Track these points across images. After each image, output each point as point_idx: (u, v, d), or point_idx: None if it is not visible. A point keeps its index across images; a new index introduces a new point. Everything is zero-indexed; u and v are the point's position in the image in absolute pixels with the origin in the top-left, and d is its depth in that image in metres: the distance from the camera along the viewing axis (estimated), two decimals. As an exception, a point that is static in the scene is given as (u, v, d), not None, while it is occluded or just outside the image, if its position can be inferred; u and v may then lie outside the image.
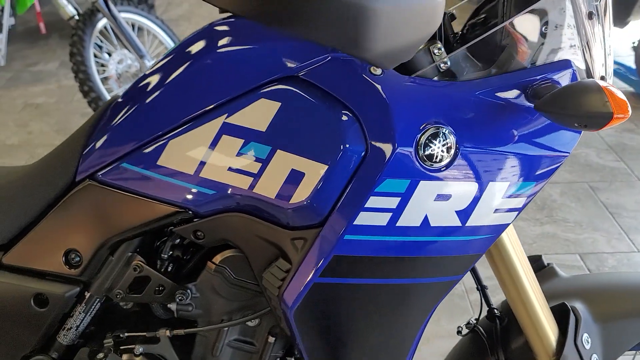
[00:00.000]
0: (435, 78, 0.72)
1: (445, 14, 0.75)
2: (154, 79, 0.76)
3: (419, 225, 0.68)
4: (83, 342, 0.86)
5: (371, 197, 0.66)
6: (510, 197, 0.71)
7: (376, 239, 0.68)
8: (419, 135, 0.66)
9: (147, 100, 0.74)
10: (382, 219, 0.67)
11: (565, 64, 0.72)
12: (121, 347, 0.83)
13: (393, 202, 0.67)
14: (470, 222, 0.70)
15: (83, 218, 0.79)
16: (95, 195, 0.77)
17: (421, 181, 0.67)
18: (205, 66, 0.72)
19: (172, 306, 0.82)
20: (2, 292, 0.82)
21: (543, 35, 0.71)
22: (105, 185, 0.76)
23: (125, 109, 0.76)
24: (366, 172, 0.66)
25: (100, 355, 0.82)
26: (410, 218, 0.68)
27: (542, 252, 2.12)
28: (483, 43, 0.74)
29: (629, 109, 0.61)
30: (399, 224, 0.68)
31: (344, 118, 0.67)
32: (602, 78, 0.77)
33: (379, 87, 0.66)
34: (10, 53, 3.84)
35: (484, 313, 0.97)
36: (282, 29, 0.49)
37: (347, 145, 0.66)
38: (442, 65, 0.71)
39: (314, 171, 0.68)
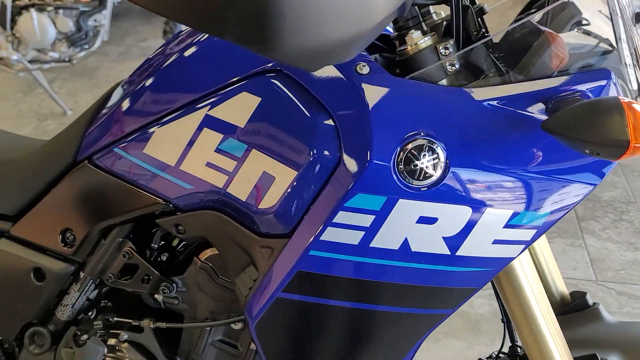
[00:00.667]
0: (444, 82, 0.63)
1: (469, 6, 0.65)
2: (149, 67, 0.74)
3: (397, 248, 0.60)
4: (79, 321, 0.87)
5: (340, 212, 0.59)
6: (513, 227, 0.61)
7: (346, 258, 0.61)
8: (399, 148, 0.57)
9: (140, 88, 0.72)
10: (354, 238, 0.60)
11: (603, 74, 0.59)
12: (110, 331, 0.83)
13: (366, 220, 0.59)
14: (462, 252, 0.61)
15: (78, 199, 0.79)
16: (90, 178, 0.77)
17: (400, 199, 0.58)
18: (193, 56, 0.69)
19: (159, 297, 0.81)
20: (7, 261, 0.85)
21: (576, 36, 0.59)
22: (99, 169, 0.76)
23: (123, 95, 0.75)
24: (337, 183, 0.59)
25: (85, 336, 0.82)
26: (386, 239, 0.60)
27: (631, 281, 1.89)
28: (507, 43, 0.64)
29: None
30: (373, 244, 0.60)
31: (320, 121, 0.60)
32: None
33: (361, 88, 0.59)
34: (125, 29, 4.10)
35: (506, 348, 0.87)
36: (194, 26, 0.43)
37: (319, 152, 0.60)
38: (449, 66, 0.62)
39: (284, 176, 0.62)
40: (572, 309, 0.90)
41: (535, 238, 0.62)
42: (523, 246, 0.62)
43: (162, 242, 0.81)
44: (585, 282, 1.89)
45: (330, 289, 0.63)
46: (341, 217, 0.59)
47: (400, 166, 0.58)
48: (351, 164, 0.58)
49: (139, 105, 0.72)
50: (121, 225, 0.79)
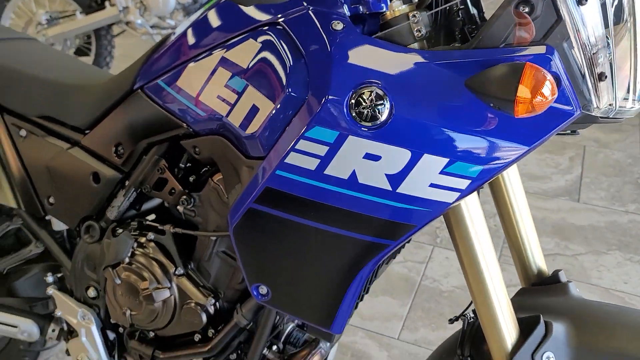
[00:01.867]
0: (415, 45, 0.73)
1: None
2: (190, 20, 0.91)
3: (346, 178, 0.72)
4: (121, 221, 1.07)
5: (301, 140, 0.72)
6: (448, 175, 0.70)
7: (304, 181, 0.74)
8: (353, 92, 0.69)
9: (180, 36, 0.90)
10: (311, 164, 0.73)
11: (543, 49, 0.67)
12: (141, 231, 1.03)
13: (322, 150, 0.72)
14: (402, 190, 0.72)
15: (129, 120, 0.99)
16: (139, 104, 0.96)
17: (350, 136, 0.70)
18: (219, 11, 0.85)
19: (180, 208, 0.99)
20: (76, 165, 1.07)
21: (524, 13, 0.67)
22: (146, 97, 0.95)
23: (171, 39, 0.93)
24: (301, 116, 0.72)
25: (120, 230, 1.03)
26: (337, 169, 0.72)
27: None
28: (467, 15, 0.73)
29: (543, 97, 0.57)
30: (326, 172, 0.73)
31: (297, 65, 0.74)
32: (601, 76, 0.69)
33: (330, 40, 0.71)
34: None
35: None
36: None
37: (292, 90, 0.73)
38: (415, 32, 0.72)
39: (266, 108, 0.76)
40: (543, 282, 0.96)
41: (471, 188, 0.71)
42: (459, 194, 0.71)
43: (189, 164, 0.99)
44: (633, 296, 1.85)
45: (291, 206, 0.76)
46: (302, 145, 0.72)
47: (352, 107, 0.70)
48: (313, 101, 0.71)
49: (177, 47, 0.90)
50: (158, 145, 0.98)
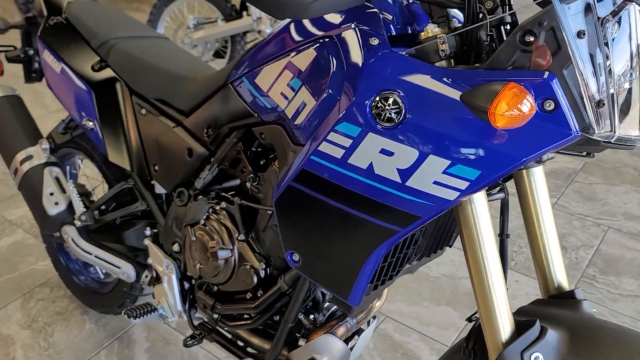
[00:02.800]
0: (442, 64, 0.86)
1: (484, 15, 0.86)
2: (273, 31, 1.10)
3: (365, 168, 0.86)
4: (204, 190, 1.30)
5: (331, 133, 0.88)
6: (450, 175, 0.81)
7: (331, 167, 0.89)
8: (376, 96, 0.84)
9: (262, 43, 1.09)
10: (338, 153, 0.88)
11: (544, 74, 0.76)
12: (216, 200, 1.24)
13: (347, 142, 0.87)
14: (410, 183, 0.84)
15: (220, 107, 1.20)
16: (228, 95, 1.18)
17: (370, 132, 0.85)
18: (292, 26, 1.03)
19: (248, 184, 1.18)
20: (178, 142, 1.31)
21: (529, 41, 0.77)
22: (234, 90, 1.16)
23: (257, 46, 1.13)
24: (334, 112, 0.88)
25: (200, 197, 1.24)
26: (358, 160, 0.87)
27: None
28: (499, 39, 0.84)
29: (520, 112, 0.67)
30: (349, 161, 0.87)
31: (338, 71, 0.89)
32: (599, 103, 0.77)
33: (365, 52, 0.86)
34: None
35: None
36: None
37: (331, 91, 0.89)
38: (440, 52, 0.85)
39: (311, 104, 0.93)
40: (560, 296, 1.02)
41: (470, 189, 0.81)
42: (459, 193, 0.82)
43: (259, 149, 1.18)
44: None
45: (320, 187, 0.92)
46: (332, 136, 0.88)
47: (373, 109, 0.84)
48: (344, 101, 0.87)
49: (260, 52, 1.09)
50: (237, 130, 1.18)
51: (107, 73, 1.43)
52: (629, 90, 0.83)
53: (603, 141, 0.81)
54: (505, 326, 0.90)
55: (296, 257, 1.01)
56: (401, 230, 0.88)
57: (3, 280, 2.13)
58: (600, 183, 2.56)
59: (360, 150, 0.86)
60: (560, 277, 1.03)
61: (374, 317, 1.29)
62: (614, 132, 0.80)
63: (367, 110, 0.85)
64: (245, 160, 1.18)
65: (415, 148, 0.82)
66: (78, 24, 1.52)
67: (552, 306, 0.99)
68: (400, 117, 0.83)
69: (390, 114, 0.83)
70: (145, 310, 1.37)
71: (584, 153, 0.93)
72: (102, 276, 1.93)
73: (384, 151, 0.85)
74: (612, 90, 0.77)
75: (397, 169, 0.84)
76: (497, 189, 1.06)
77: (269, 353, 1.23)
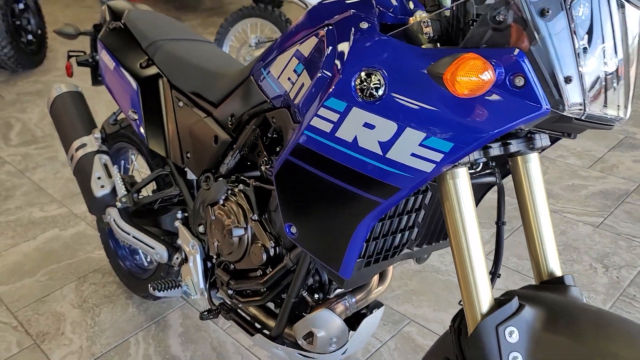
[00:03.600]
0: (429, 45, 0.92)
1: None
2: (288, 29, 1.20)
3: (350, 141, 0.93)
4: (228, 175, 1.40)
5: (321, 108, 0.95)
6: (426, 147, 0.86)
7: (322, 140, 0.97)
8: (359, 73, 0.91)
9: (282, 36, 1.20)
10: (327, 127, 0.95)
11: (513, 51, 0.80)
12: (234, 182, 1.34)
13: (335, 117, 0.94)
14: (390, 155, 0.90)
15: (242, 96, 1.31)
16: (249, 85, 1.28)
17: (354, 107, 0.91)
18: (304, 18, 1.12)
19: (263, 168, 1.27)
20: (206, 130, 1.43)
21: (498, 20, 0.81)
22: (253, 80, 1.26)
23: (276, 40, 1.24)
24: (324, 90, 0.96)
25: (220, 179, 1.35)
26: (345, 133, 0.93)
27: None
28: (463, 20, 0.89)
29: (478, 79, 0.73)
30: (337, 134, 0.94)
31: (331, 53, 0.97)
32: (567, 80, 0.80)
33: (354, 35, 0.94)
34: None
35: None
36: None
37: (324, 71, 0.97)
38: (425, 34, 0.91)
39: (307, 84, 1.01)
40: (550, 282, 1.02)
41: (445, 161, 0.86)
42: (434, 165, 0.87)
43: (274, 135, 1.28)
44: None
45: (313, 161, 0.99)
46: (322, 111, 0.95)
47: (358, 85, 0.91)
48: (332, 78, 0.94)
49: (277, 44, 1.20)
50: (256, 117, 1.28)
51: (152, 70, 1.59)
52: (617, 71, 0.86)
53: (575, 118, 0.84)
54: (483, 301, 0.93)
55: (294, 229, 1.08)
56: (383, 201, 0.93)
57: (63, 265, 2.33)
58: (653, 205, 2.46)
59: (346, 124, 0.93)
60: (553, 263, 1.04)
61: (379, 307, 1.33)
62: (584, 110, 0.82)
63: (352, 86, 0.92)
64: (261, 145, 1.27)
65: (394, 121, 0.88)
66: (133, 27, 1.69)
67: (541, 290, 1.00)
68: (381, 92, 0.89)
69: (372, 89, 0.90)
70: (170, 285, 1.48)
71: (566, 134, 0.96)
72: (145, 263, 2.08)
73: (366, 124, 0.91)
74: (581, 68, 0.80)
75: (379, 141, 0.91)
76: (487, 171, 1.08)
77: (275, 328, 1.29)
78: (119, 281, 2.20)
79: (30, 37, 4.64)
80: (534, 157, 1.04)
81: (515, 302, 0.91)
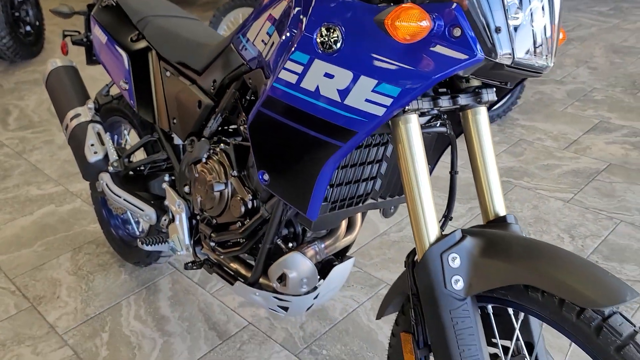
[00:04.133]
0: (383, 5, 1.03)
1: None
2: None
3: (313, 90, 1.05)
4: (211, 137, 1.51)
5: (288, 61, 1.07)
6: (377, 93, 0.98)
7: (289, 91, 1.08)
8: (320, 28, 1.02)
9: (259, 4, 1.31)
10: (293, 78, 1.07)
11: (451, 5, 0.92)
12: (216, 142, 1.46)
13: (299, 69, 1.06)
14: (347, 102, 1.01)
15: (223, 62, 1.43)
16: (229, 52, 1.40)
17: (316, 59, 1.03)
18: None
19: (242, 128, 1.39)
20: (191, 97, 1.54)
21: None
22: (233, 47, 1.38)
23: (253, 10, 1.35)
24: (291, 45, 1.07)
25: (203, 139, 1.46)
26: (308, 83, 1.05)
27: None
28: None
29: (414, 24, 0.85)
30: (302, 85, 1.06)
31: (297, 13, 1.09)
32: (497, 30, 0.92)
33: None
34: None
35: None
36: None
37: (290, 28, 1.09)
38: None
39: (276, 41, 1.13)
40: (494, 221, 1.14)
41: (394, 105, 0.97)
42: (385, 109, 0.98)
43: (252, 97, 1.39)
44: None
45: (281, 110, 1.11)
46: (288, 64, 1.07)
47: (318, 39, 1.02)
48: (297, 34, 1.06)
49: (255, 12, 1.31)
50: (236, 81, 1.39)
51: (142, 43, 1.70)
52: (543, 24, 0.98)
53: (506, 65, 0.96)
54: (431, 234, 1.04)
55: (266, 176, 1.20)
56: (343, 145, 1.05)
57: (59, 237, 2.44)
58: (621, 182, 2.58)
59: (309, 75, 1.05)
60: (499, 206, 1.15)
61: (350, 257, 1.44)
62: (513, 57, 0.94)
63: (314, 40, 1.04)
64: (241, 107, 1.39)
65: (350, 70, 1.00)
66: (124, 4, 1.81)
67: (485, 228, 1.12)
68: (339, 45, 1.01)
69: (331, 43, 1.01)
70: (158, 240, 1.59)
71: (503, 83, 1.07)
72: (137, 232, 2.19)
73: (327, 74, 1.03)
74: (509, 20, 0.92)
75: (337, 89, 1.02)
76: (439, 122, 1.20)
77: (252, 274, 1.41)
78: (113, 251, 2.31)
79: (28, 28, 4.75)
80: (482, 111, 1.15)
81: (458, 233, 1.03)
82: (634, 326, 0.88)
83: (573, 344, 0.96)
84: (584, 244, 2.16)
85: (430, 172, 1.40)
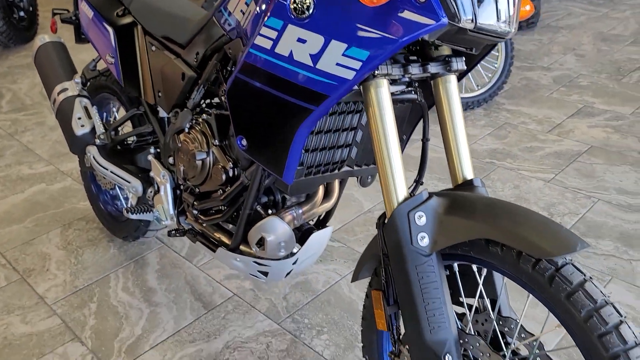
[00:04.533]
0: None
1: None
2: None
3: (287, 55, 1.09)
4: (194, 109, 1.56)
5: (263, 27, 1.11)
6: (348, 57, 1.03)
7: (264, 57, 1.13)
8: None
9: None
10: (268, 44, 1.11)
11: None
12: (199, 112, 1.50)
13: (274, 35, 1.10)
14: (319, 66, 1.06)
15: (205, 35, 1.47)
16: (211, 25, 1.44)
17: (289, 24, 1.07)
18: None
19: (223, 98, 1.43)
20: (175, 69, 1.58)
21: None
22: (215, 19, 1.42)
23: None
24: (266, 11, 1.12)
25: (185, 109, 1.51)
26: (282, 48, 1.09)
27: None
28: None
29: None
30: (276, 50, 1.10)
31: (274, -18, 1.13)
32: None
33: None
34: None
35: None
36: None
37: (265, -2, 1.14)
38: None
39: (252, 13, 1.17)
40: (462, 185, 1.19)
41: (364, 69, 1.01)
42: (355, 72, 1.02)
43: (232, 68, 1.43)
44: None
45: (257, 76, 1.15)
46: (264, 30, 1.11)
47: (292, 5, 1.07)
48: (272, 1, 1.10)
49: None
50: (218, 52, 1.44)
51: (128, 18, 1.74)
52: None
53: (470, 30, 1.00)
54: (400, 194, 1.09)
55: (244, 141, 1.24)
56: (315, 108, 1.09)
57: (50, 214, 2.48)
58: (601, 164, 2.63)
59: (283, 40, 1.09)
60: (467, 171, 1.20)
61: (328, 227, 1.49)
62: (475, 22, 0.99)
63: (287, 6, 1.08)
64: (222, 78, 1.43)
65: (322, 35, 1.05)
66: (112, -19, 1.84)
67: (452, 190, 1.17)
68: (311, 11, 1.05)
69: (304, 8, 1.06)
70: (143, 209, 1.64)
71: (469, 49, 1.12)
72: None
73: (299, 39, 1.07)
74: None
75: (310, 54, 1.07)
76: (409, 88, 1.24)
77: (233, 240, 1.46)
78: (102, 227, 2.36)
79: (22, 13, 4.77)
80: (452, 79, 1.20)
81: (425, 193, 1.08)
82: (584, 275, 0.93)
83: (530, 295, 1.01)
84: (562, 221, 2.22)
85: (405, 143, 1.45)
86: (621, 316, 0.89)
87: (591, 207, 2.30)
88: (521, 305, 1.80)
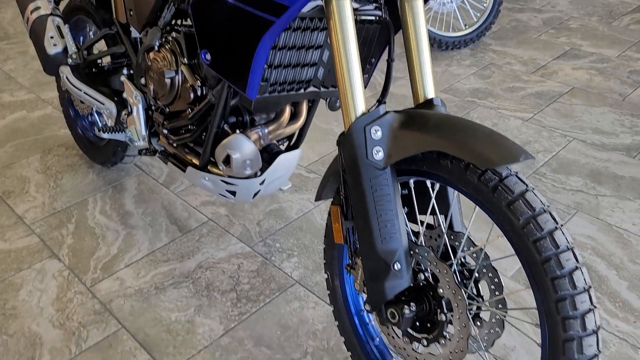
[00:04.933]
0: None
1: None
2: None
3: (248, -35, 1.09)
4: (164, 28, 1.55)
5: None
6: None
7: (227, -33, 1.12)
8: None
9: None
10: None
11: None
12: (169, 30, 1.49)
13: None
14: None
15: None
16: None
17: None
18: None
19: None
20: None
21: None
22: None
23: None
24: None
25: (157, 27, 1.50)
26: (244, -41, 1.09)
27: None
28: None
29: None
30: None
31: None
32: None
33: None
34: None
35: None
36: None
37: None
38: None
39: None
40: (422, 104, 1.20)
41: None
42: None
43: None
44: (633, 235, 1.85)
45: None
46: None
47: None
48: None
49: None
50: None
51: None
52: None
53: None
54: (358, 109, 1.11)
55: (208, 56, 1.25)
56: (276, 20, 1.10)
57: (30, 140, 2.50)
58: (580, 104, 2.65)
59: (245, -49, 1.08)
60: (428, 90, 1.21)
61: (297, 148, 1.51)
62: None
63: None
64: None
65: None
66: None
67: (411, 109, 1.19)
68: None
69: None
70: (116, 128, 1.65)
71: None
72: (103, 134, 2.25)
73: (261, -52, 1.06)
74: None
75: (271, -37, 1.06)
76: (374, 5, 1.24)
77: (201, 158, 1.48)
78: (82, 154, 2.38)
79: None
80: (419, 1, 1.19)
81: (382, 108, 1.10)
82: (526, 185, 0.96)
83: (477, 207, 1.04)
84: (536, 158, 2.25)
85: (375, 65, 1.45)
86: (557, 223, 0.93)
87: (565, 146, 2.33)
88: (473, 222, 1.85)
